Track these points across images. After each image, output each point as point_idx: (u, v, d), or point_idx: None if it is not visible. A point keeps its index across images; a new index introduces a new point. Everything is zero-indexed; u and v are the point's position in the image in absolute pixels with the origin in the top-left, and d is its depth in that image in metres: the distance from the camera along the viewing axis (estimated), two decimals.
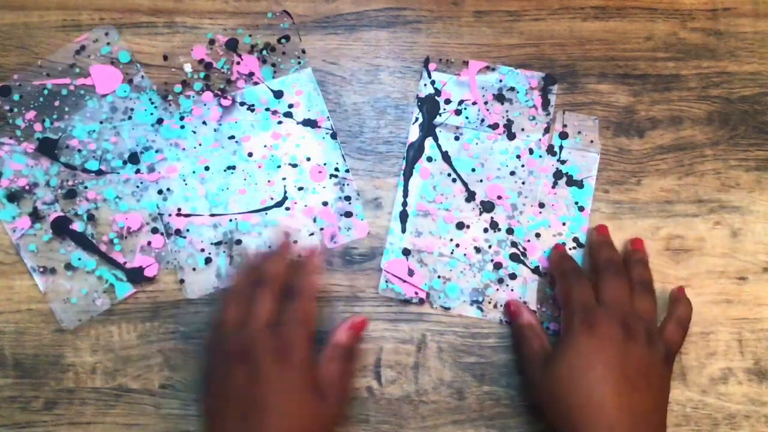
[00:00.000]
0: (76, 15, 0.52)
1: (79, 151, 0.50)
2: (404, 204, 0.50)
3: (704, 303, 0.50)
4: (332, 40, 0.53)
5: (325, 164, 0.51)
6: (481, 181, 0.50)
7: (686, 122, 0.52)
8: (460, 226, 0.49)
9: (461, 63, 0.52)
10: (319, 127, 0.51)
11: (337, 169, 0.51)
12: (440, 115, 0.51)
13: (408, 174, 0.50)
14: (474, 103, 0.51)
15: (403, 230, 0.49)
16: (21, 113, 0.50)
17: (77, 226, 0.49)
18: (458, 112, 0.51)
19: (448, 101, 0.51)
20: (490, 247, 0.49)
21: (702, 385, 0.48)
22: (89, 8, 0.52)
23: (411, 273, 0.49)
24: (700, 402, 0.48)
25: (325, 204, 0.50)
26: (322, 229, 0.50)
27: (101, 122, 0.50)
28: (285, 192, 0.50)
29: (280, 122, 0.51)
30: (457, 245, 0.49)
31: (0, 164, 0.50)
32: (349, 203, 0.50)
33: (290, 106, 0.51)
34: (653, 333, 0.43)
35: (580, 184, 0.50)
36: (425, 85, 0.52)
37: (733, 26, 0.54)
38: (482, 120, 0.51)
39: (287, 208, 0.50)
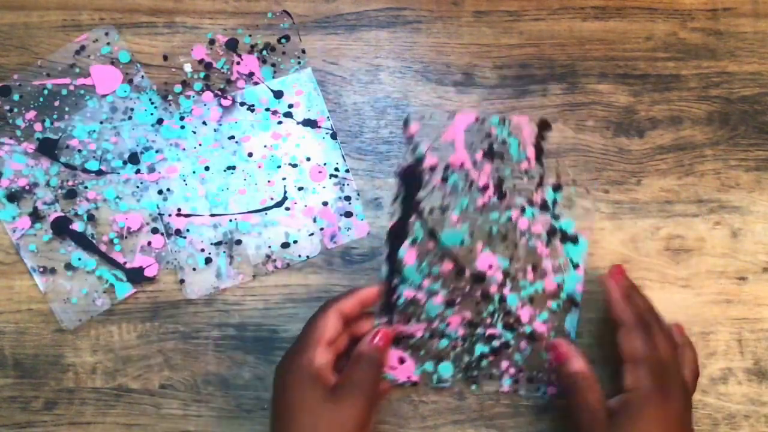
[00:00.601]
0: (76, 15, 0.52)
1: (79, 151, 0.50)
2: (389, 294, 0.45)
3: (704, 303, 0.50)
4: (332, 40, 0.53)
5: (325, 164, 0.51)
6: (471, 251, 0.46)
7: (686, 122, 0.52)
8: (450, 304, 0.46)
9: (446, 115, 0.47)
10: (319, 127, 0.51)
11: (337, 169, 0.51)
12: (424, 188, 0.45)
13: (392, 261, 0.45)
14: (461, 165, 0.46)
15: (391, 322, 0.45)
16: (21, 113, 0.50)
17: (77, 226, 0.49)
18: (445, 179, 0.45)
19: (432, 169, 0.45)
20: (482, 320, 0.46)
21: (702, 385, 0.48)
22: (89, 8, 0.52)
23: (402, 361, 0.46)
24: (700, 402, 0.48)
25: (325, 204, 0.50)
26: (322, 229, 0.50)
27: (101, 122, 0.50)
28: (285, 192, 0.50)
29: (280, 122, 0.51)
30: (448, 324, 0.46)
31: (0, 164, 0.50)
32: (349, 203, 0.50)
33: (290, 106, 0.51)
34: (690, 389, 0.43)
35: (575, 240, 0.46)
36: (407, 155, 0.46)
37: (733, 26, 0.54)
38: (471, 183, 0.46)
39: (287, 208, 0.50)
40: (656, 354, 0.41)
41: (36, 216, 0.49)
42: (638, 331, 0.42)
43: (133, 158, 0.50)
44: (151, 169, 0.50)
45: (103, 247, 0.49)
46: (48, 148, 0.50)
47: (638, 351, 0.41)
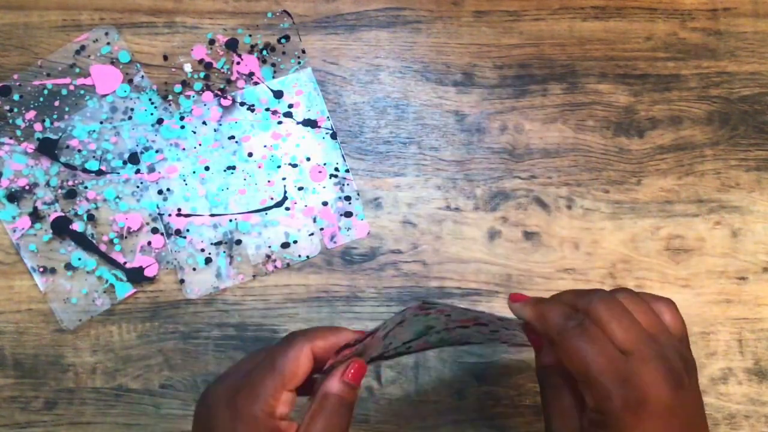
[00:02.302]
0: (76, 15, 0.52)
1: (79, 151, 0.50)
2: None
3: (704, 303, 0.50)
4: (332, 40, 0.53)
5: (325, 164, 0.51)
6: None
7: (686, 122, 0.52)
8: None
9: None
10: (319, 127, 0.51)
11: (337, 169, 0.51)
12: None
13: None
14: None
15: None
16: (21, 113, 0.50)
17: (77, 226, 0.49)
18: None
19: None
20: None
21: (702, 385, 0.48)
22: (89, 8, 0.52)
23: None
24: None
25: (325, 204, 0.50)
26: (322, 229, 0.50)
27: (101, 122, 0.50)
28: (285, 192, 0.50)
29: (280, 122, 0.51)
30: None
31: (0, 164, 0.50)
32: (349, 203, 0.50)
33: (290, 106, 0.51)
34: (683, 352, 0.32)
35: None
36: None
37: (733, 26, 0.54)
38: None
39: (287, 208, 0.50)
40: (612, 354, 0.30)
41: (36, 216, 0.49)
42: (569, 335, 0.31)
43: (133, 158, 0.50)
44: (151, 169, 0.50)
45: (103, 247, 0.49)
46: (48, 148, 0.50)
47: (582, 365, 0.30)
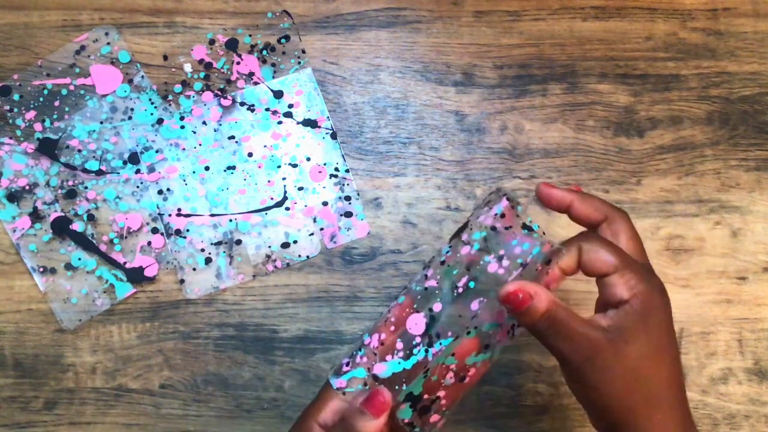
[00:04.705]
0: (76, 15, 0.52)
1: (79, 151, 0.50)
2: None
3: (704, 303, 0.50)
4: (332, 40, 0.53)
5: (325, 164, 0.51)
6: None
7: (686, 122, 0.52)
8: None
9: None
10: (319, 127, 0.51)
11: (337, 169, 0.51)
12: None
13: None
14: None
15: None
16: (21, 113, 0.50)
17: (77, 226, 0.49)
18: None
19: None
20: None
21: (702, 385, 0.48)
22: (89, 8, 0.52)
23: None
24: (700, 402, 0.48)
25: (325, 204, 0.50)
26: (322, 229, 0.50)
27: (101, 122, 0.51)
28: (285, 192, 0.50)
29: (280, 122, 0.51)
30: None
31: (0, 164, 0.50)
32: (349, 203, 0.50)
33: (290, 106, 0.51)
34: None
35: None
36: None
37: (733, 26, 0.54)
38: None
39: (287, 208, 0.50)
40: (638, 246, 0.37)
41: (36, 216, 0.49)
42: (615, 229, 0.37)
43: (133, 158, 0.50)
44: (151, 169, 0.50)
45: (103, 247, 0.49)
46: (48, 148, 0.50)
47: (620, 253, 0.35)
